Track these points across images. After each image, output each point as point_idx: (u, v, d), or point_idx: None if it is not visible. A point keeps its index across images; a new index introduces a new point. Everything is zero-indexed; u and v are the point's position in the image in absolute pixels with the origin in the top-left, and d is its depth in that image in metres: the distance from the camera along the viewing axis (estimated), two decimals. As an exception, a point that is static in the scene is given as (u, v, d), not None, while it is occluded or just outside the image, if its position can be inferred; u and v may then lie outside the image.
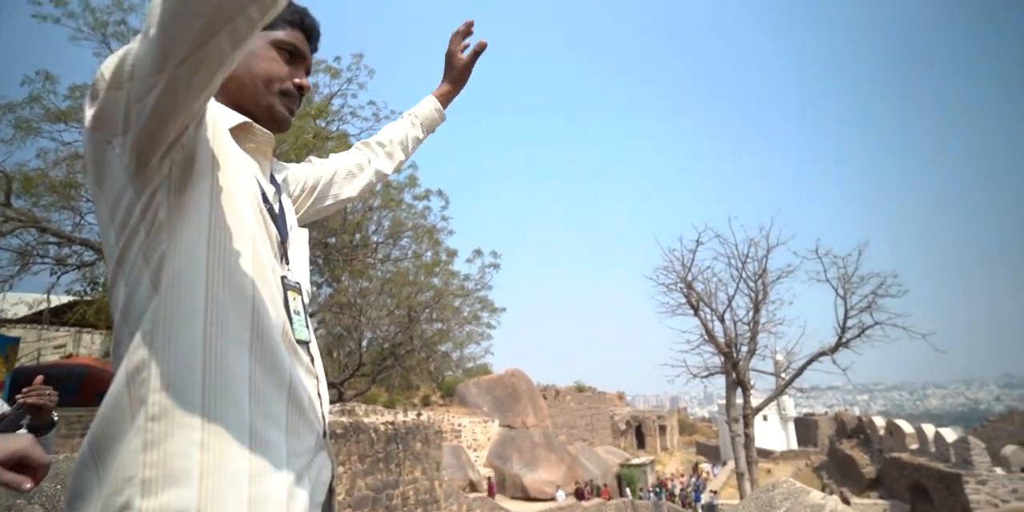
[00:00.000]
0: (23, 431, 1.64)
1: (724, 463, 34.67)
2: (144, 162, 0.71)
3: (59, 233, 9.30)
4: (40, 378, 1.67)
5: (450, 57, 1.37)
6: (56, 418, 1.72)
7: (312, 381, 0.85)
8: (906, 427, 25.39)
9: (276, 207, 0.92)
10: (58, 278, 9.76)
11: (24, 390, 1.64)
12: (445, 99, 1.40)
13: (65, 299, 10.61)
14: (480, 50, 1.34)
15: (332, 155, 1.30)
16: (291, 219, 1.00)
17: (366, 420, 15.07)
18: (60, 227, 9.41)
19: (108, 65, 0.69)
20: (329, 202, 1.26)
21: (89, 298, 10.22)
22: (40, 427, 1.68)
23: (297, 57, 0.99)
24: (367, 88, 10.56)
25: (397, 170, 1.38)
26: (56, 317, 11.32)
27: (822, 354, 16.45)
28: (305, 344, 0.86)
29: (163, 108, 0.66)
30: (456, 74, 1.38)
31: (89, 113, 0.72)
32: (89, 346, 16.25)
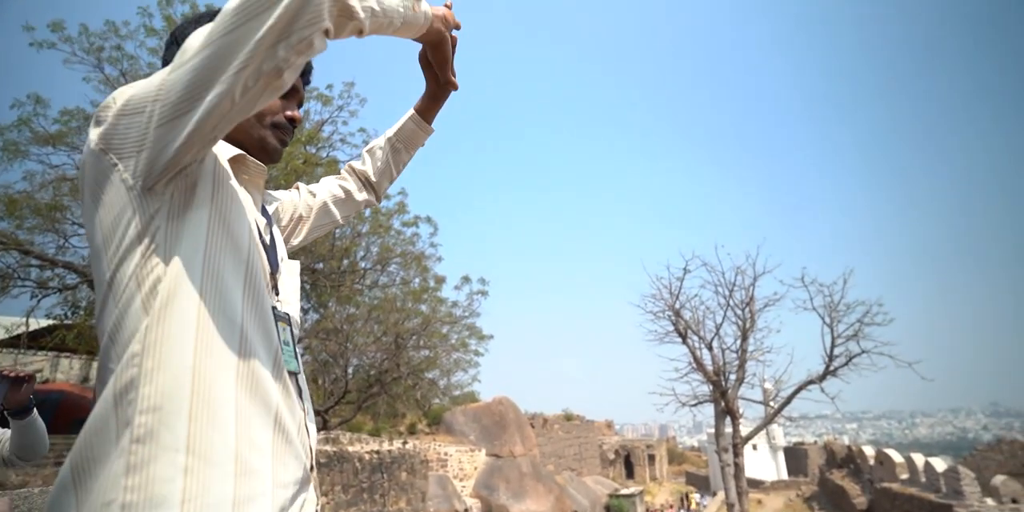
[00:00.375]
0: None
1: (714, 493, 34.12)
2: (150, 185, 0.72)
3: (42, 256, 9.17)
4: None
5: (423, 56, 1.14)
6: (33, 401, 1.69)
7: (300, 413, 0.84)
8: (896, 457, 25.25)
9: (268, 239, 0.93)
10: (39, 301, 9.58)
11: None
12: (428, 108, 1.27)
13: (44, 323, 10.39)
14: (453, 37, 1.08)
15: (323, 179, 1.30)
16: (281, 250, 1.01)
17: (350, 449, 14.70)
18: (43, 250, 9.28)
19: (124, 91, 0.73)
20: (315, 231, 1.27)
21: (69, 322, 10.02)
22: (20, 410, 1.66)
23: (291, 91, 1.01)
24: (358, 115, 10.73)
25: (379, 198, 1.37)
26: (34, 341, 11.04)
27: (810, 382, 16.42)
28: (294, 375, 0.86)
29: (197, 133, 0.70)
30: (434, 73, 1.18)
31: (96, 133, 0.74)
32: (67, 371, 15.83)
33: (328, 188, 1.28)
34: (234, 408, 0.71)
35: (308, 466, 0.82)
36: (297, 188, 1.26)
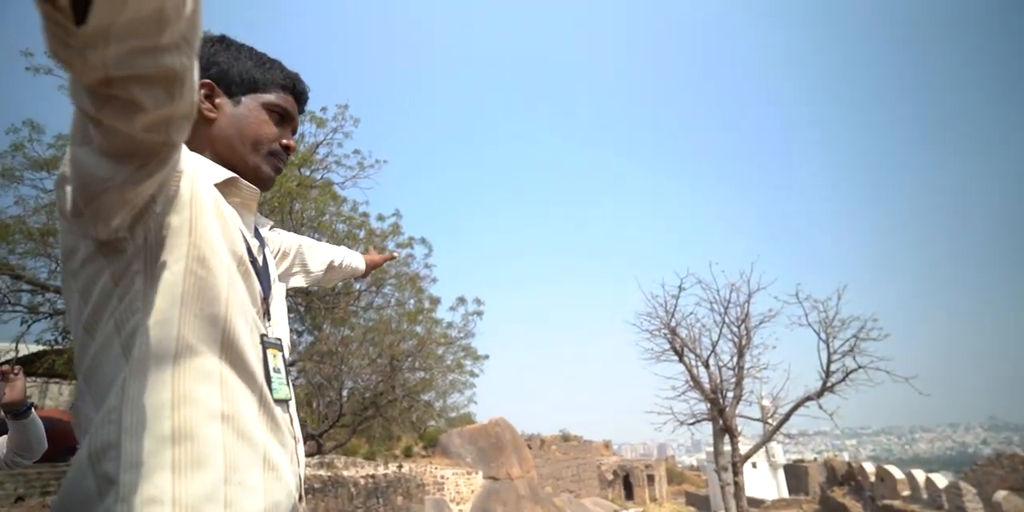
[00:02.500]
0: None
1: (715, 514, 33.61)
2: (115, 234, 0.70)
3: (33, 280, 9.11)
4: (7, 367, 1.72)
5: (371, 264, 1.74)
6: (32, 401, 1.74)
7: (290, 442, 0.83)
8: (896, 473, 25.02)
9: (260, 261, 0.92)
10: (29, 327, 9.48)
11: None
12: (367, 269, 1.72)
13: (35, 348, 10.27)
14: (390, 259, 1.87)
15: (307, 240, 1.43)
16: (273, 273, 1.00)
17: (345, 473, 14.43)
18: (35, 275, 9.23)
19: (62, 168, 0.70)
20: (295, 275, 1.35)
21: (60, 347, 9.90)
22: (20, 411, 1.71)
23: (286, 119, 1.02)
24: (352, 137, 10.80)
25: (320, 285, 1.56)
26: (24, 367, 10.88)
27: (808, 399, 16.35)
28: (284, 402, 0.85)
29: (119, 198, 0.65)
30: (371, 268, 1.74)
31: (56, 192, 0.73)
32: (56, 398, 15.56)
33: (304, 241, 1.39)
34: (221, 454, 0.70)
35: (297, 497, 0.82)
36: (278, 233, 1.31)
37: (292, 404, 0.91)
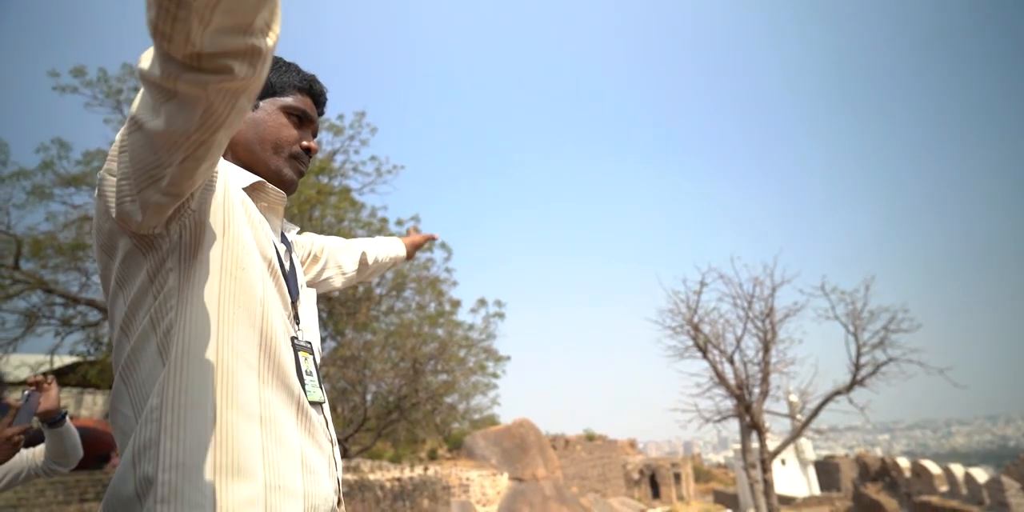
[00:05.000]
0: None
1: (745, 512, 33.14)
2: (154, 230, 0.71)
3: (65, 294, 9.38)
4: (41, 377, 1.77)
5: (412, 246, 1.69)
6: (66, 411, 1.79)
7: (327, 445, 0.83)
8: (933, 468, 24.35)
9: (287, 266, 0.92)
10: (62, 339, 9.76)
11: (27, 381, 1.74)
12: (408, 251, 1.67)
13: (68, 360, 10.55)
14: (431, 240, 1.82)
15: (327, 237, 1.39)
16: (301, 278, 1.00)
17: (371, 477, 14.55)
18: (67, 288, 9.49)
19: (113, 149, 0.72)
20: (324, 283, 1.32)
21: (92, 358, 10.16)
22: (54, 420, 1.74)
23: (305, 121, 1.02)
24: (369, 144, 10.91)
25: (358, 282, 1.53)
26: (58, 378, 11.19)
27: (837, 393, 16.03)
28: (318, 405, 0.85)
29: (172, 189, 0.67)
30: (412, 249, 1.69)
31: (99, 183, 0.73)
32: (91, 407, 15.97)
33: (334, 243, 1.37)
34: (260, 456, 0.70)
35: (336, 501, 0.81)
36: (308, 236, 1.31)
37: (326, 407, 0.90)
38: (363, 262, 1.42)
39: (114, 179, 0.68)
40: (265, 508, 0.68)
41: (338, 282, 1.35)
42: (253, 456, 0.69)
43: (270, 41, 0.58)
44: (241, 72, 0.57)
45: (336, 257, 1.34)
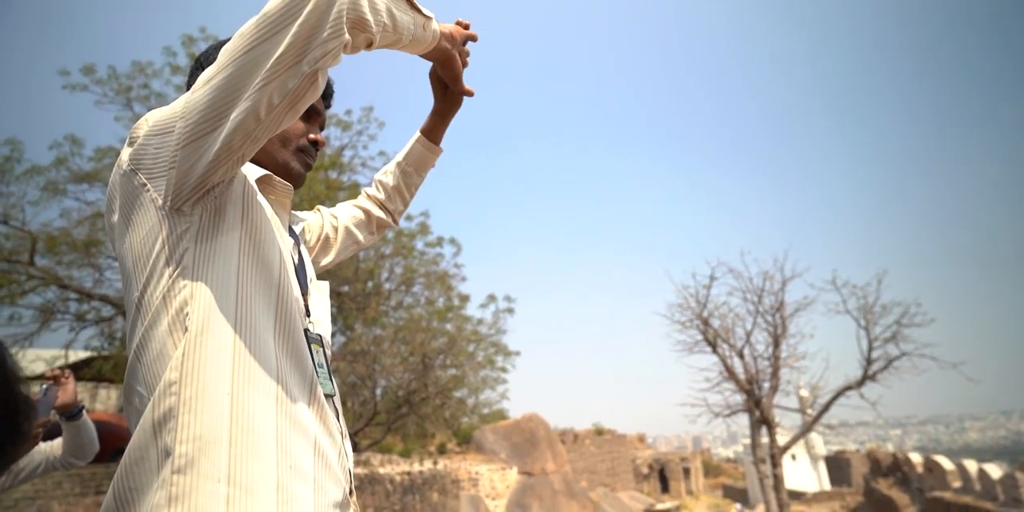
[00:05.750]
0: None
1: (753, 507, 33.07)
2: (178, 206, 0.73)
3: (80, 290, 9.49)
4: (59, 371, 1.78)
5: (434, 73, 1.14)
6: (82, 404, 1.82)
7: (338, 437, 0.83)
8: (946, 464, 24.16)
9: (296, 258, 0.92)
10: (77, 334, 9.90)
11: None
12: (435, 128, 1.27)
13: (83, 355, 10.70)
14: (464, 52, 1.06)
15: (340, 204, 1.33)
16: (310, 271, 1.00)
17: (381, 471, 14.68)
18: (81, 284, 9.61)
19: (155, 112, 0.74)
20: (342, 253, 1.28)
21: (106, 353, 10.29)
22: (72, 413, 1.77)
23: (312, 114, 1.01)
24: (377, 139, 10.94)
25: (396, 221, 1.38)
26: (73, 373, 11.36)
27: (848, 388, 15.91)
28: (330, 397, 0.85)
29: (223, 152, 0.70)
30: (442, 90, 1.19)
31: (127, 153, 0.75)
32: (105, 401, 16.21)
33: (348, 211, 1.30)
34: (275, 435, 0.70)
35: (347, 490, 0.82)
36: (319, 210, 1.28)
37: (337, 400, 0.90)
38: (380, 216, 1.33)
39: (171, 133, 0.71)
40: (277, 487, 0.68)
41: (355, 249, 1.31)
42: (268, 434, 0.70)
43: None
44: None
45: (352, 234, 1.28)
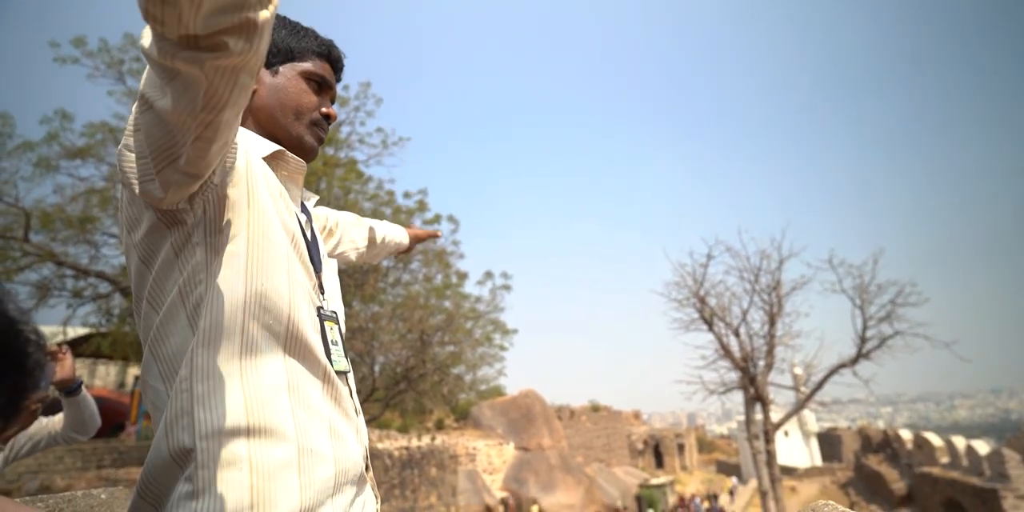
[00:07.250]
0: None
1: (745, 481, 33.81)
2: (176, 206, 0.72)
3: (76, 266, 9.46)
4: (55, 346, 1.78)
5: (414, 238, 1.64)
6: (81, 380, 1.82)
7: (353, 414, 0.84)
8: (935, 440, 24.65)
9: (309, 235, 0.92)
10: (74, 311, 9.90)
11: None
12: (411, 242, 1.63)
13: (81, 331, 10.73)
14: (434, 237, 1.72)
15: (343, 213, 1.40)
16: (323, 247, 1.01)
17: (380, 446, 14.92)
18: (77, 260, 9.57)
19: (128, 127, 0.71)
20: (339, 251, 1.33)
21: (104, 329, 10.32)
22: (72, 388, 1.78)
23: (324, 87, 1.01)
24: (375, 115, 10.79)
25: (364, 259, 1.50)
26: (72, 349, 11.43)
27: (842, 366, 16.11)
28: (343, 374, 0.86)
29: (190, 167, 0.67)
30: (414, 241, 1.65)
31: (117, 162, 0.74)
32: (104, 377, 16.34)
33: (344, 217, 1.38)
34: (291, 420, 0.72)
35: (364, 467, 0.83)
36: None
37: (351, 376, 0.91)
38: (371, 239, 1.43)
39: (133, 156, 0.67)
40: (299, 470, 0.70)
41: (353, 256, 1.37)
42: (284, 421, 0.71)
43: (267, 13, 0.56)
44: (237, 48, 0.56)
45: (349, 232, 1.35)
